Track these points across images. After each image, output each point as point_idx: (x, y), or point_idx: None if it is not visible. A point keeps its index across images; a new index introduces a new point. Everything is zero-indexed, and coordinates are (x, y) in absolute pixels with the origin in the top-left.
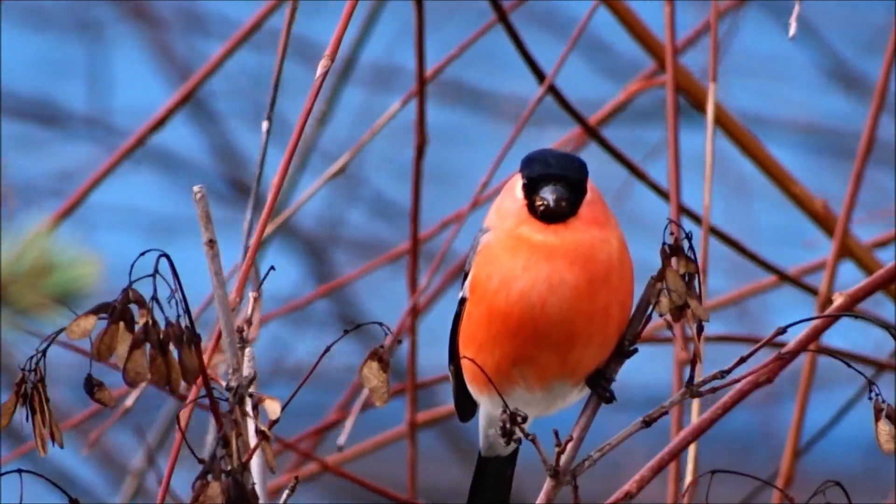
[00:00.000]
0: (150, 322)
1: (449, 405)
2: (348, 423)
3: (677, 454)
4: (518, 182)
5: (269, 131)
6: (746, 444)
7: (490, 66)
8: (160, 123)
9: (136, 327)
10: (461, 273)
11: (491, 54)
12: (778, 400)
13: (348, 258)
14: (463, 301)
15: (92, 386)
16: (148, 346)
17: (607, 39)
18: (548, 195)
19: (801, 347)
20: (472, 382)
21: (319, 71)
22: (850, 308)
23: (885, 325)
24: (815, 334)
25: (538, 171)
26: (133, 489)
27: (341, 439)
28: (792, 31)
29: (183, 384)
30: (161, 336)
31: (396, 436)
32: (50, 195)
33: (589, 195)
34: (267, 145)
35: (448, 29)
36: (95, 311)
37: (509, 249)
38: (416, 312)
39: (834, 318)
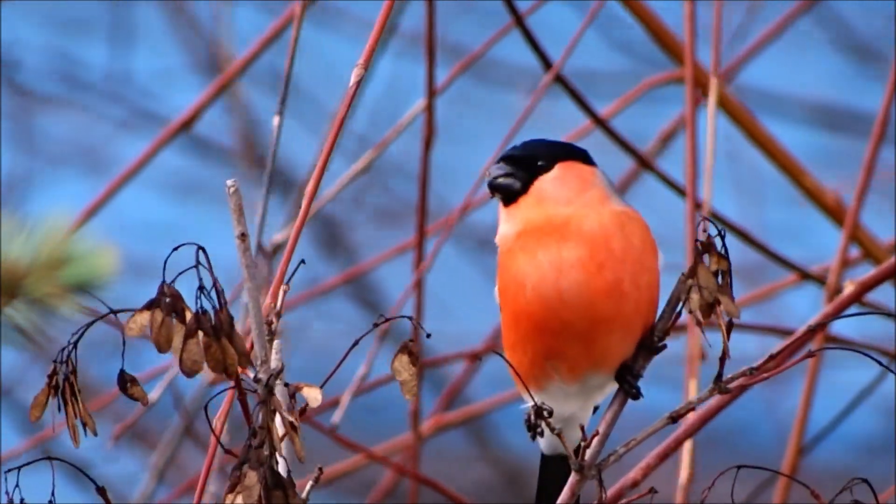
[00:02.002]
0: (200, 311)
1: (474, 405)
2: (344, 400)
3: (683, 441)
4: None
5: (280, 126)
6: (741, 433)
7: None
8: (197, 114)
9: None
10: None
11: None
12: (777, 386)
13: (364, 233)
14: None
15: (125, 381)
16: (200, 334)
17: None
18: (491, 170)
19: (814, 335)
20: (515, 382)
21: (353, 80)
22: (860, 296)
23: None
24: (825, 322)
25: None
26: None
27: (336, 417)
28: None
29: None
30: (213, 324)
31: (405, 442)
32: (72, 155)
33: (555, 172)
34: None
35: (458, 23)
36: (148, 306)
37: (506, 252)
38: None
39: (846, 309)
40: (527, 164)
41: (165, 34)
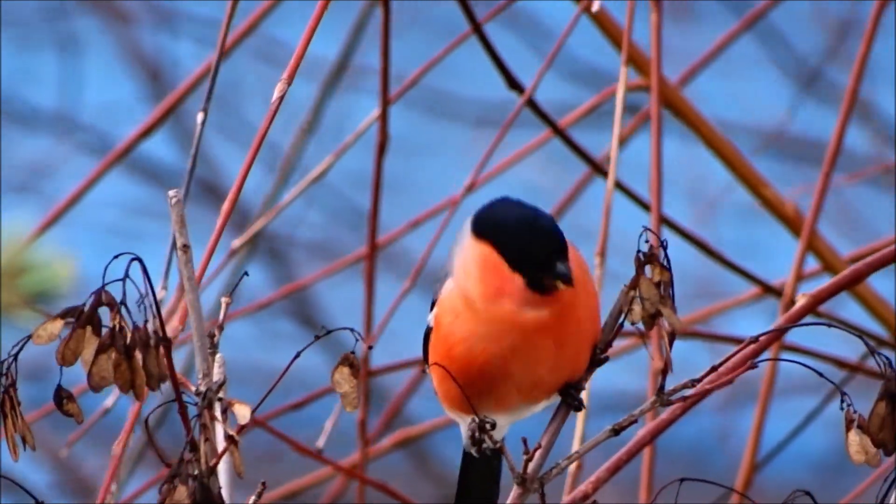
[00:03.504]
0: (117, 327)
1: (418, 425)
2: (327, 425)
3: (634, 454)
4: (495, 258)
5: (203, 122)
6: (700, 453)
7: (445, 70)
8: (145, 135)
9: (104, 331)
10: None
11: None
12: (732, 407)
13: (305, 255)
14: (429, 326)
15: (61, 398)
16: (114, 351)
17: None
18: (563, 270)
19: (765, 347)
20: (442, 400)
21: (276, 95)
22: (813, 308)
23: (854, 331)
24: (778, 335)
25: (538, 248)
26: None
27: (321, 442)
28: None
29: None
30: (127, 341)
31: (352, 463)
32: (17, 189)
33: (573, 262)
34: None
35: (409, 32)
36: (62, 315)
37: (485, 321)
38: (370, 317)
39: (797, 322)
40: (564, 254)
41: (113, 65)
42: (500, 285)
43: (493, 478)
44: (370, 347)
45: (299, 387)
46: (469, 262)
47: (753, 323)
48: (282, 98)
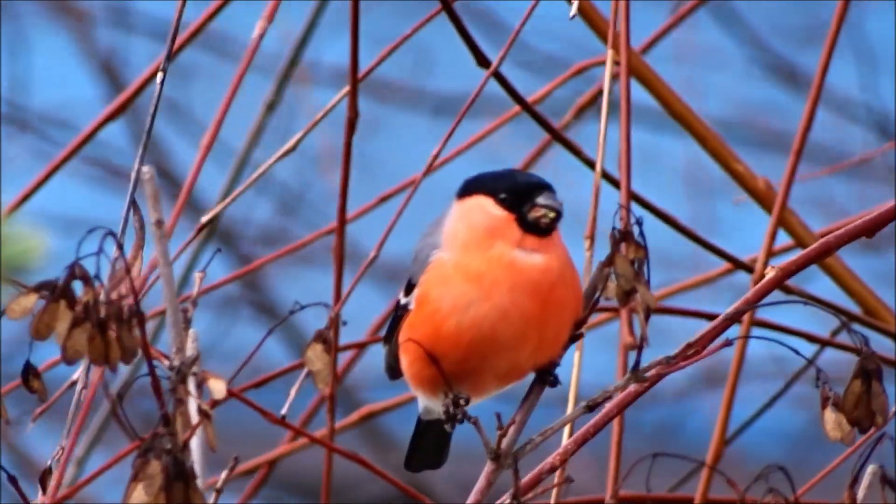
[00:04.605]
0: (92, 300)
1: (371, 405)
2: (292, 393)
3: (602, 427)
4: (484, 201)
5: (163, 82)
6: (662, 438)
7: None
8: (96, 131)
9: (78, 305)
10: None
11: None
12: (692, 395)
13: (259, 242)
14: (406, 308)
15: (28, 374)
16: (88, 324)
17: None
18: (551, 202)
19: (735, 320)
20: (410, 380)
21: (256, 32)
22: (783, 281)
23: (829, 307)
24: (750, 309)
25: (524, 182)
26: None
27: (284, 409)
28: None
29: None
30: (101, 315)
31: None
32: None
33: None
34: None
35: (373, 12)
36: (36, 288)
37: (473, 275)
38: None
39: (768, 295)
40: (550, 190)
41: (66, 60)
42: (492, 224)
43: (445, 442)
44: (344, 323)
45: (255, 373)
46: (457, 217)
47: (721, 299)
48: (262, 36)
